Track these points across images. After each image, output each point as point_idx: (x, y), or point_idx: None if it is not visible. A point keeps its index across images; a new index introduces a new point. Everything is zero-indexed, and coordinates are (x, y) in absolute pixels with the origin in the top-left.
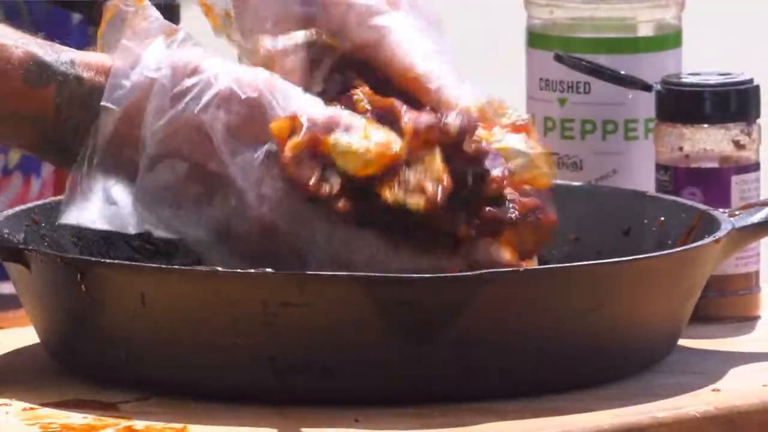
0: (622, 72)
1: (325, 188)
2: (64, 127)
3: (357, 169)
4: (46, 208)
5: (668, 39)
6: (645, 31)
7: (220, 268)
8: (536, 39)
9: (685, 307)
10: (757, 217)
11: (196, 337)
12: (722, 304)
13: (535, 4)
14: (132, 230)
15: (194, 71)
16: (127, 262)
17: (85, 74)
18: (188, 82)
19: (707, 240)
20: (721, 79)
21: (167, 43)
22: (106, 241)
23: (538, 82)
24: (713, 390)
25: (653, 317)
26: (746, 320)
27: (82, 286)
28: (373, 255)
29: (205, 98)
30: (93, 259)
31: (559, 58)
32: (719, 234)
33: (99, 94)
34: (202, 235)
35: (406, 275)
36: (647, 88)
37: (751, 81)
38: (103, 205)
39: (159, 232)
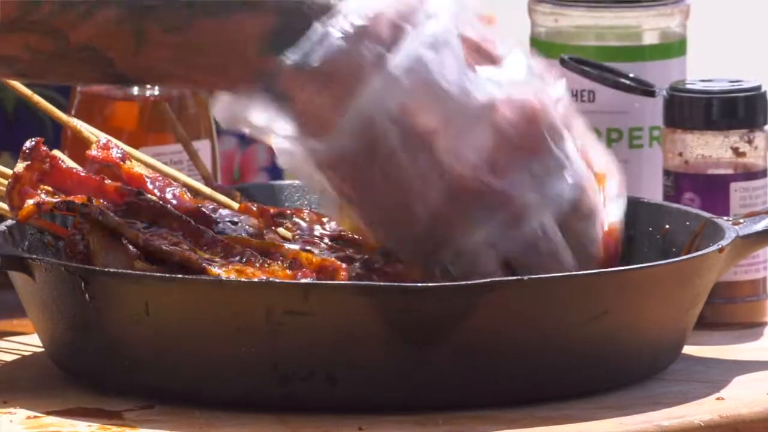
0: (631, 75)
1: None
2: None
3: None
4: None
5: (673, 47)
6: (650, 39)
7: (223, 277)
8: (540, 47)
9: (689, 316)
10: (760, 225)
11: (200, 345)
12: (729, 311)
13: (540, 12)
14: None
15: None
16: (131, 271)
17: None
18: None
19: (711, 249)
20: (723, 86)
21: None
22: None
23: None
24: (717, 399)
25: (657, 326)
26: (753, 326)
27: (86, 295)
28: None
29: None
30: (97, 268)
31: (564, 63)
32: (723, 243)
33: None
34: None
35: (410, 284)
36: (650, 93)
37: (752, 89)
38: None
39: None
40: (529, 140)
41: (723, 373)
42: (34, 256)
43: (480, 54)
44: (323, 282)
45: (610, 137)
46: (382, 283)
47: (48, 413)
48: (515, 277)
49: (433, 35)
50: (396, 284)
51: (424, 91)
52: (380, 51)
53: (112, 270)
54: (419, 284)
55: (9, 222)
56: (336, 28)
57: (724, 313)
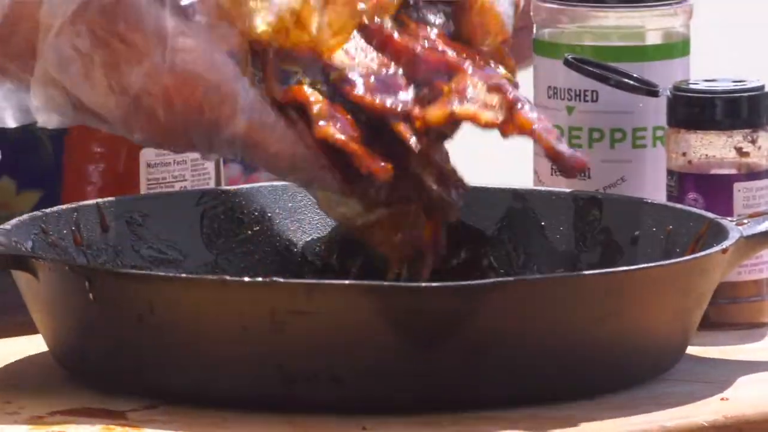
0: (635, 75)
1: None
2: None
3: None
4: (55, 216)
5: (676, 47)
6: (653, 39)
7: (227, 277)
8: (544, 47)
9: (693, 316)
10: (764, 225)
11: (204, 345)
12: (732, 311)
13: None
14: (11, 123)
15: None
16: (134, 271)
17: None
18: None
19: (715, 249)
20: (726, 86)
21: None
22: (115, 249)
23: (546, 90)
24: (722, 399)
25: (661, 326)
26: (757, 327)
27: (90, 294)
28: (286, 148)
29: None
30: (101, 267)
31: (567, 63)
32: (727, 243)
33: None
34: (108, 107)
35: (414, 284)
36: (653, 93)
37: (756, 88)
38: None
39: (54, 117)
40: None
41: (727, 373)
42: (38, 255)
43: None
44: (327, 282)
45: (614, 137)
46: (386, 283)
47: (52, 413)
48: (520, 277)
49: None
50: (401, 284)
51: None
52: None
53: (115, 269)
54: (424, 284)
55: (12, 221)
56: None
57: (727, 313)
